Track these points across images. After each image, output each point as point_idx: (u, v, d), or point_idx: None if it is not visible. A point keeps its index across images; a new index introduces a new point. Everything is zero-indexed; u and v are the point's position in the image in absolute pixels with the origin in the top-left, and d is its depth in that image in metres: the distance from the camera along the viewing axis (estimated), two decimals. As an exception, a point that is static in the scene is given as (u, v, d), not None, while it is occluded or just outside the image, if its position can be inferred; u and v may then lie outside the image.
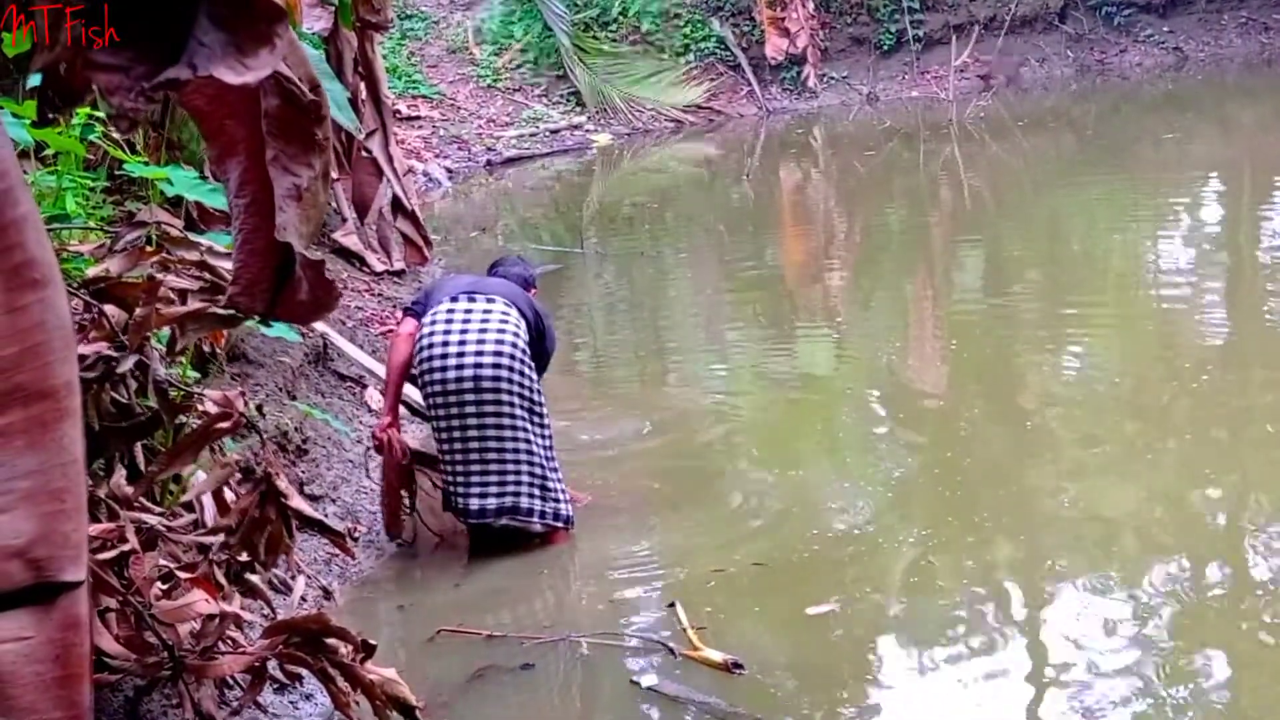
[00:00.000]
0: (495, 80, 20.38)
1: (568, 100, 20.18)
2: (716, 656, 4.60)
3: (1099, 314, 9.33)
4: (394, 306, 9.62)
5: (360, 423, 7.08)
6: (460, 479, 5.72)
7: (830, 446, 7.01)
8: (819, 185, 16.87)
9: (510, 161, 18.30)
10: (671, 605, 5.05)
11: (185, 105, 2.47)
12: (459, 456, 5.70)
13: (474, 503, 5.71)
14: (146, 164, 5.36)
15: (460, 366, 5.61)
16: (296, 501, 3.76)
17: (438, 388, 5.65)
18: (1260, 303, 9.07)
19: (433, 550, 5.97)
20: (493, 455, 5.68)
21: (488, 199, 16.64)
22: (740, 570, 5.46)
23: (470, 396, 5.62)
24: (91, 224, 4.79)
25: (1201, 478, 6.21)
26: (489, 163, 18.15)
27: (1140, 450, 6.67)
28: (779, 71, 20.95)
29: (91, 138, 4.96)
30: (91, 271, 3.83)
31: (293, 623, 3.62)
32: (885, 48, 21.52)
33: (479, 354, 5.62)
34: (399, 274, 10.40)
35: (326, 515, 5.73)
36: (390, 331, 8.69)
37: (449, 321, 5.72)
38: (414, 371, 5.80)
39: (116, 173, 5.69)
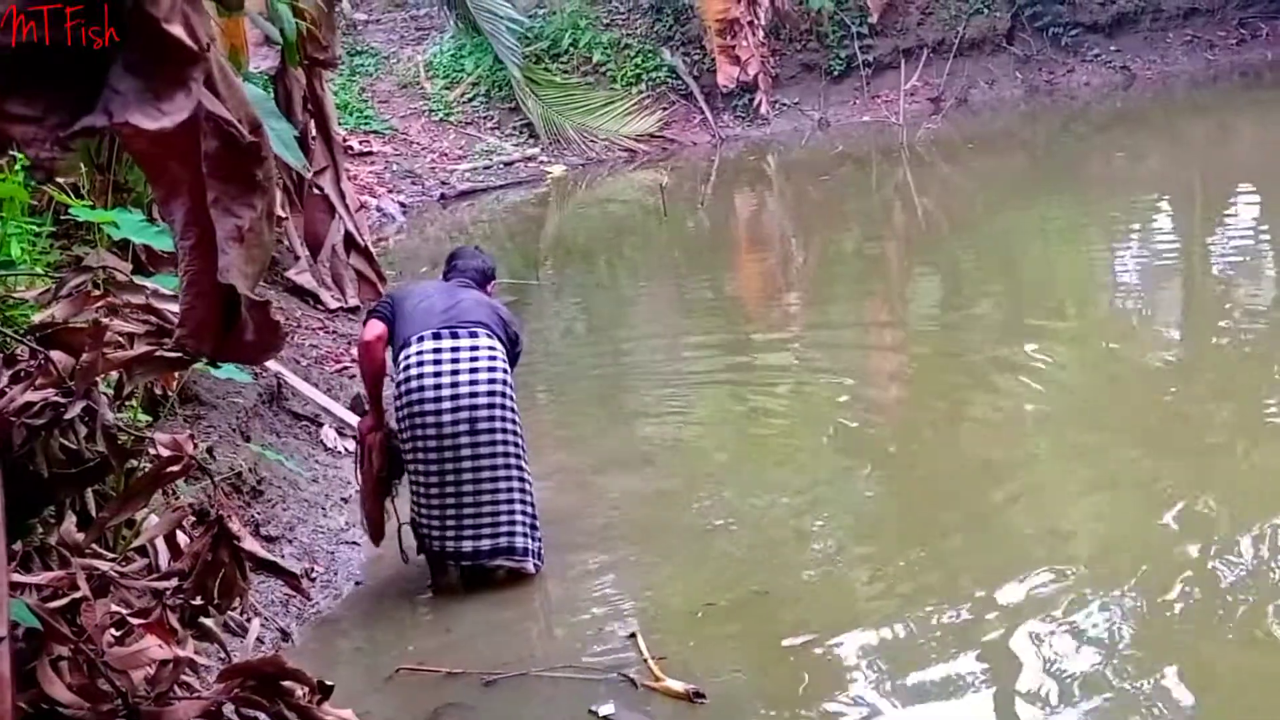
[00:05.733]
0: (447, 114, 20.41)
1: (521, 132, 20.22)
2: (678, 686, 4.59)
3: (1055, 331, 9.41)
4: (349, 344, 9.58)
5: (316, 462, 7.04)
6: (451, 521, 5.61)
7: (796, 474, 6.96)
8: (774, 211, 16.97)
9: (464, 195, 18.32)
10: (632, 636, 5.04)
11: (128, 149, 2.46)
12: (450, 500, 5.59)
13: (466, 545, 5.62)
14: (93, 208, 5.34)
15: (456, 410, 5.51)
16: (250, 543, 3.73)
17: (430, 431, 5.54)
18: (1213, 316, 9.15)
19: (392, 588, 5.92)
20: (486, 496, 5.60)
21: (442, 233, 16.61)
22: (717, 600, 5.43)
23: (465, 439, 5.54)
24: (38, 270, 4.76)
25: (1161, 491, 6.24)
26: (443, 196, 18.15)
27: (1101, 466, 6.69)
28: (731, 99, 21.06)
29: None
30: (37, 317, 3.79)
31: (248, 666, 3.57)
32: (835, 73, 21.68)
33: (473, 395, 5.53)
34: (353, 311, 10.37)
35: (283, 556, 5.69)
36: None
37: (437, 363, 5.56)
38: (395, 414, 5.68)
39: (63, 217, 5.65)
